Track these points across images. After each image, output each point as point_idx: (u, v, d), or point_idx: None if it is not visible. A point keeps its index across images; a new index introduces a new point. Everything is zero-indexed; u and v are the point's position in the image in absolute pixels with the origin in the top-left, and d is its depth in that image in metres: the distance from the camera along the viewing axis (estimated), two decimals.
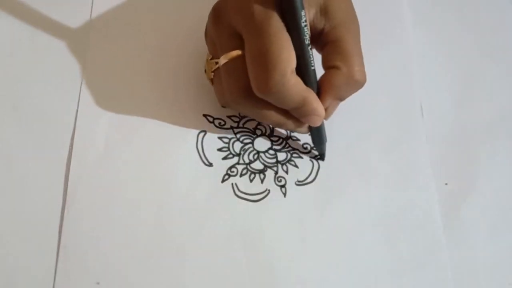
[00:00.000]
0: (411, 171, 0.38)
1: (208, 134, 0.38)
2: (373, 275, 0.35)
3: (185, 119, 0.38)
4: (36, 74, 0.39)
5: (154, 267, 0.34)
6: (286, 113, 0.34)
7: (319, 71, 0.33)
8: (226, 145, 0.38)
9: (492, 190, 0.38)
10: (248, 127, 0.39)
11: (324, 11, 0.33)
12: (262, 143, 0.38)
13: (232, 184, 0.37)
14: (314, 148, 0.38)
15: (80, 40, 0.40)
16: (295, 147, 0.38)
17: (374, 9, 0.43)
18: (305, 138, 0.38)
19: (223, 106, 0.37)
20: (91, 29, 0.40)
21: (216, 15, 0.34)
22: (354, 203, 0.37)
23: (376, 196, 0.37)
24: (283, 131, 0.39)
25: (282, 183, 0.37)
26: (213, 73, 0.36)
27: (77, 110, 0.38)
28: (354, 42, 0.33)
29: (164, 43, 0.40)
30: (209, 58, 0.36)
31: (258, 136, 0.38)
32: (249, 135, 0.38)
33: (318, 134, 0.36)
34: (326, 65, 0.33)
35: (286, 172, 0.37)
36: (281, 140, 0.38)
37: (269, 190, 0.37)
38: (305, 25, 0.31)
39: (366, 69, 0.33)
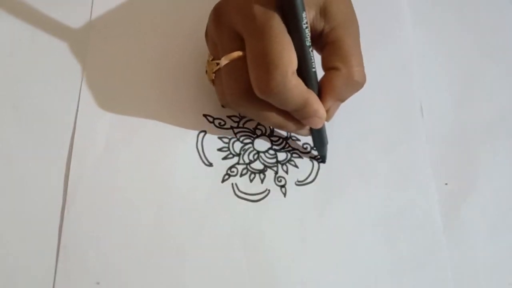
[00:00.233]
0: (411, 171, 0.38)
1: (208, 134, 0.38)
2: (373, 275, 0.35)
3: (185, 119, 0.38)
4: (36, 74, 0.39)
5: (154, 267, 0.34)
6: (287, 115, 0.34)
7: (320, 73, 0.33)
8: (226, 145, 0.38)
9: (492, 190, 0.38)
10: (248, 127, 0.39)
11: (323, 12, 0.33)
12: (262, 143, 0.38)
13: (232, 184, 0.37)
14: (314, 148, 0.38)
15: (80, 40, 0.40)
16: (295, 147, 0.38)
17: (374, 9, 0.43)
18: (305, 138, 0.38)
19: (223, 106, 0.37)
20: (91, 29, 0.40)
21: (217, 15, 0.34)
22: (354, 203, 0.37)
23: (376, 196, 0.37)
24: (283, 131, 0.39)
25: (282, 183, 0.37)
26: (214, 74, 0.36)
27: (77, 110, 0.38)
28: (353, 43, 0.33)
29: (164, 43, 0.40)
30: (210, 59, 0.36)
31: (258, 136, 0.38)
32: (249, 135, 0.38)
33: (319, 136, 0.36)
34: (326, 66, 0.33)
35: (286, 172, 0.37)
36: (281, 140, 0.38)
37: (269, 190, 0.37)
38: (306, 27, 0.31)
39: (366, 70, 0.33)
